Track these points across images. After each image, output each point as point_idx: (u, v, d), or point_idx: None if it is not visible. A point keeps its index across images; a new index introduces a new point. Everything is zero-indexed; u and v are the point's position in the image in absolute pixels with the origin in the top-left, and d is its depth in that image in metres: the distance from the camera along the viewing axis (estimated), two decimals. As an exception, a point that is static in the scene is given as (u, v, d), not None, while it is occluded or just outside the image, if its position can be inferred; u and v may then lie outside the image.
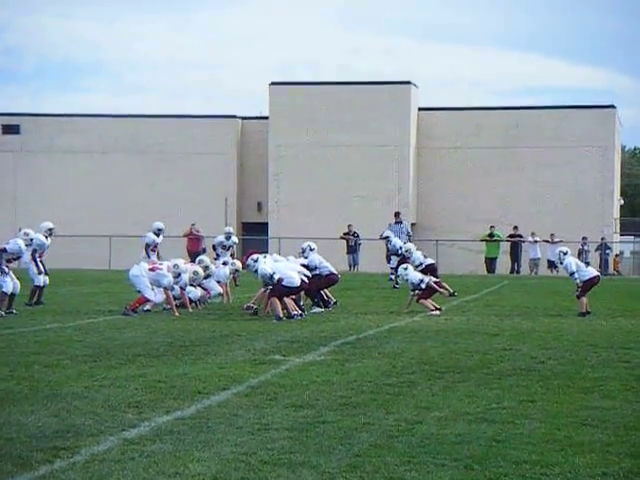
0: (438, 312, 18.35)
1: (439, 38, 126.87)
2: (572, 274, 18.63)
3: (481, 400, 9.16)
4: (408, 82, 41.96)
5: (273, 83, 42.52)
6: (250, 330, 15.33)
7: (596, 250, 38.88)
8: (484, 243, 39.11)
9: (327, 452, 7.13)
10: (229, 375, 10.58)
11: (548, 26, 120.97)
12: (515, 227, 39.09)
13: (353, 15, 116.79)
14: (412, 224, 41.79)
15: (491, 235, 38.91)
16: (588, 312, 18.35)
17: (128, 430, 7.74)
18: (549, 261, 38.01)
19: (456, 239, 40.32)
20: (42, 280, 19.91)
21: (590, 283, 18.68)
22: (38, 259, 19.85)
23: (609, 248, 39.66)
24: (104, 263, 38.04)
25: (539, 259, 38.35)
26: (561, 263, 18.95)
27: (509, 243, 39.10)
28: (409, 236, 29.77)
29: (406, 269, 19.21)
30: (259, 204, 43.63)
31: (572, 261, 18.88)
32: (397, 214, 32.34)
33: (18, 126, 43.92)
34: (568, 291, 24.08)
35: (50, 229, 20.44)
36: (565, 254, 18.77)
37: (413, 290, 18.92)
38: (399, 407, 8.82)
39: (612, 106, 42.62)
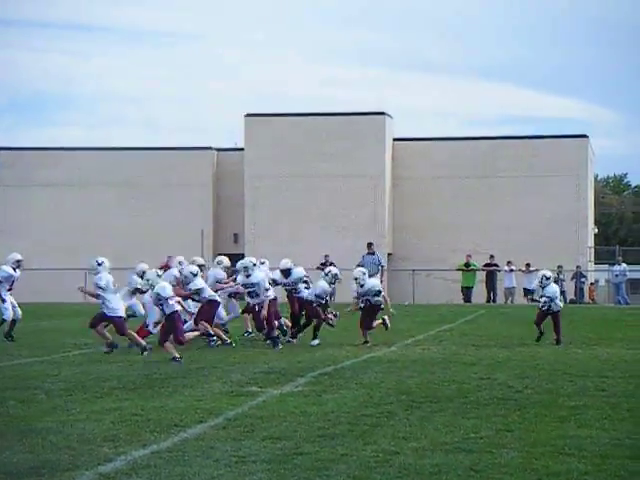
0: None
1: (414, 68, 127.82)
2: (553, 299, 18.76)
3: (458, 430, 9.17)
4: (382, 113, 42.18)
5: (248, 115, 42.63)
6: (227, 362, 15.27)
7: (572, 279, 39.06)
8: (460, 273, 39.20)
9: (305, 484, 7.10)
10: (206, 407, 10.54)
11: (521, 57, 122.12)
12: (491, 256, 39.23)
13: (328, 46, 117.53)
14: (388, 254, 41.87)
15: (467, 265, 39.02)
16: (543, 333, 18.82)
17: (104, 464, 7.69)
18: (525, 290, 38.17)
19: (432, 269, 40.40)
20: (10, 314, 19.65)
21: (548, 314, 18.93)
22: (6, 292, 19.64)
23: (584, 276, 39.84)
24: (80, 296, 37.79)
25: (514, 288, 38.47)
26: (542, 287, 19.10)
27: (485, 272, 39.22)
28: (382, 267, 29.65)
29: (364, 273, 19.10)
30: (235, 235, 43.60)
31: (556, 288, 19.21)
32: (370, 245, 32.34)
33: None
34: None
35: (18, 261, 20.08)
36: (548, 279, 19.01)
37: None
38: (377, 438, 8.80)
39: (585, 136, 42.99)
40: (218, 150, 44.83)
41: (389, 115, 42.49)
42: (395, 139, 42.95)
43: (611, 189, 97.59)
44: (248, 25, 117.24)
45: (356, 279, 18.92)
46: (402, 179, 42.57)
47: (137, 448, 8.32)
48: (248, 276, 18.73)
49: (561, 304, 19.15)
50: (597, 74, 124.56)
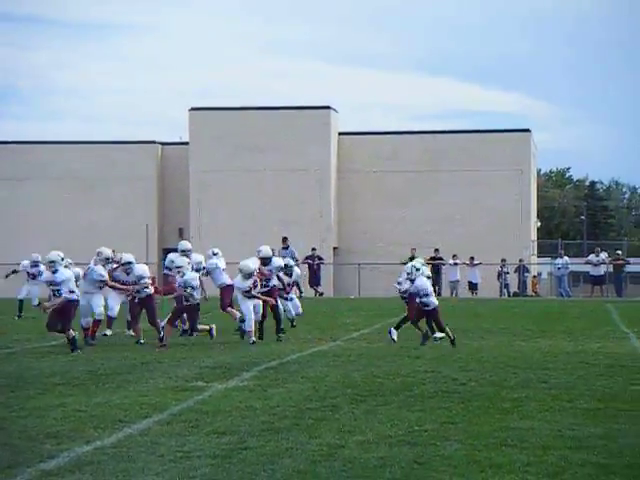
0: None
1: (358, 63, 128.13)
2: (428, 294, 17.26)
3: (403, 423, 9.22)
4: (328, 107, 42.22)
5: (193, 108, 42.43)
6: (172, 357, 15.20)
7: (515, 272, 39.46)
8: (405, 266, 39.37)
9: (250, 479, 7.10)
10: (150, 403, 10.49)
11: (463, 51, 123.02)
12: (436, 250, 39.50)
13: (273, 40, 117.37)
14: (334, 248, 41.98)
15: (412, 258, 39.20)
16: (426, 335, 17.29)
17: (46, 461, 7.62)
18: (470, 283, 38.52)
19: (378, 262, 40.58)
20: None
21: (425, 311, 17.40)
22: None
23: (527, 270, 40.27)
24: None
25: (459, 281, 38.79)
26: (411, 280, 17.51)
27: (430, 266, 39.47)
28: (296, 260, 29.57)
29: (418, 269, 17.50)
30: (180, 230, 43.39)
31: (427, 282, 17.51)
32: (284, 239, 32.44)
33: None
34: (488, 313, 24.45)
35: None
36: (418, 270, 17.51)
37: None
38: (322, 431, 8.83)
39: (527, 130, 43.42)
40: (163, 144, 44.57)
41: (334, 109, 42.55)
42: (340, 133, 43.02)
43: (553, 183, 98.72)
44: (195, 18, 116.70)
45: (408, 274, 17.56)
46: (347, 172, 42.67)
47: (81, 445, 8.26)
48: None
49: (436, 301, 17.36)
50: (536, 68, 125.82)
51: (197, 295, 17.48)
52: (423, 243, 40.51)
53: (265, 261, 18.92)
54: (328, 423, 9.26)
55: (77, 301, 16.27)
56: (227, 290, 19.07)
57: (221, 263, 19.60)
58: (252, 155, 41.44)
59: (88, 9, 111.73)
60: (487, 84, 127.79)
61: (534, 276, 42.05)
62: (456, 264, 38.60)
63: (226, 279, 19.30)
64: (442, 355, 15.35)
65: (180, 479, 7.07)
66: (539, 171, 76.10)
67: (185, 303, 17.47)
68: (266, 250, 19.21)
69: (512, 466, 7.45)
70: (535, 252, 44.89)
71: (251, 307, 17.74)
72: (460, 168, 41.85)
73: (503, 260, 38.54)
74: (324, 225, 41.42)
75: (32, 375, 12.98)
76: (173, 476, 7.16)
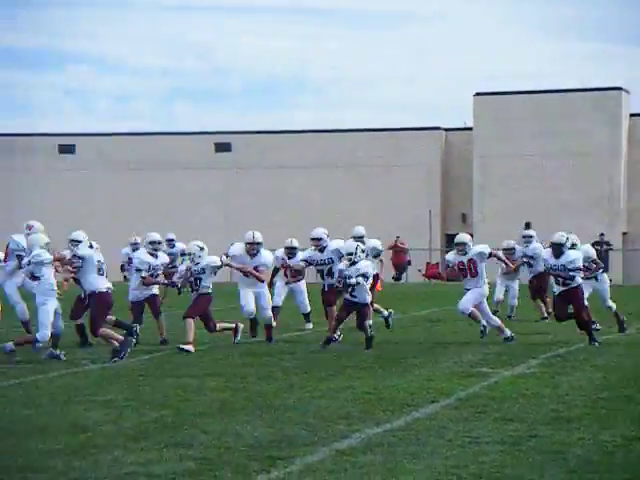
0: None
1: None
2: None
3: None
4: (619, 88, 40.73)
5: (477, 94, 42.21)
6: (457, 341, 15.25)
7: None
8: None
9: (540, 467, 7.01)
10: (437, 387, 10.57)
11: None
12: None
13: (556, 22, 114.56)
14: (623, 233, 40.51)
15: None
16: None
17: (340, 441, 7.86)
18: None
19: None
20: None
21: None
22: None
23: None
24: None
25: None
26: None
27: None
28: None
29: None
30: (463, 215, 43.38)
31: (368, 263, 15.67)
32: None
33: (229, 144, 45.41)
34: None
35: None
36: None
37: None
38: (615, 422, 8.56)
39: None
40: (446, 130, 44.67)
41: (626, 90, 41.00)
42: (632, 114, 41.40)
43: None
44: (478, 2, 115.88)
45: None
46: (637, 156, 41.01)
47: (371, 426, 8.45)
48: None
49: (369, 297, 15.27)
50: None
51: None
52: None
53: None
54: (621, 414, 8.96)
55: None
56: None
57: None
58: (536, 140, 40.67)
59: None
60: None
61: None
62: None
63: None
64: None
65: (469, 464, 7.08)
66: None
67: None
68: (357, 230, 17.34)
69: None
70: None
71: None
72: None
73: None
74: (613, 210, 40.07)
75: (323, 358, 13.41)
76: (462, 461, 7.18)
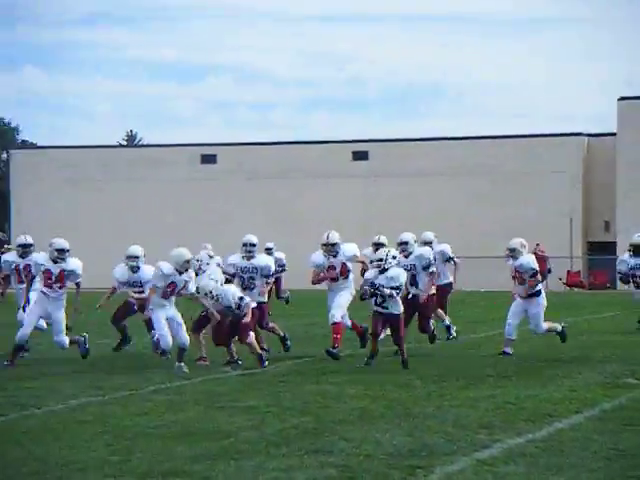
0: None
1: None
2: None
3: None
4: None
5: (622, 98, 41.22)
6: (601, 352, 14.89)
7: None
8: None
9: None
10: (580, 398, 10.34)
11: None
12: None
13: None
14: None
15: None
16: None
17: (480, 451, 7.77)
18: None
19: None
20: None
21: None
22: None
23: None
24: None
25: None
26: None
27: None
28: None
29: None
30: (606, 223, 42.38)
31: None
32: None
33: (366, 152, 45.57)
34: None
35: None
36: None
37: None
38: None
39: None
40: (589, 136, 43.76)
41: None
42: None
43: None
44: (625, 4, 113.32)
45: None
46: None
47: (512, 436, 8.32)
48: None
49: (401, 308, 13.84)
50: None
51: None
52: None
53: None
54: None
55: None
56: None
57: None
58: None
59: (502, 4, 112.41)
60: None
61: None
62: None
63: None
64: None
65: (616, 478, 6.90)
66: None
67: None
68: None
69: None
70: None
71: None
72: None
73: None
74: None
75: (462, 366, 13.28)
76: (608, 474, 6.99)
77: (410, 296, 14.82)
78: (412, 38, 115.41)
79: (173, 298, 13.39)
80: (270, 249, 23.79)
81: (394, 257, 13.30)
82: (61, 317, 13.89)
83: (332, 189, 45.18)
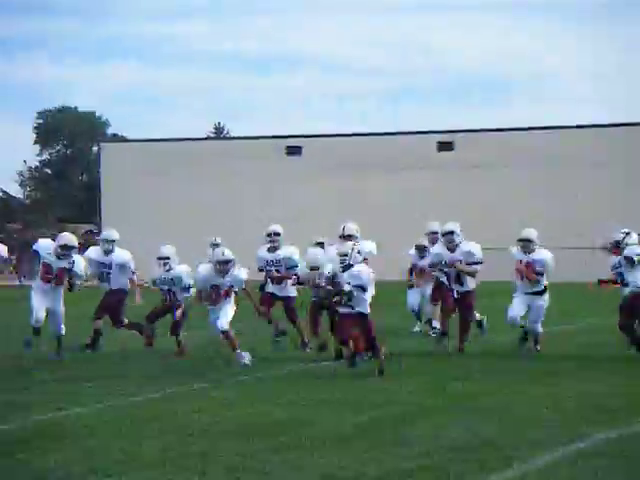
0: None
1: None
2: None
3: None
4: None
5: None
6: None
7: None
8: None
9: None
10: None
11: None
12: None
13: None
14: None
15: None
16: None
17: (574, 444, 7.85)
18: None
19: None
20: None
21: None
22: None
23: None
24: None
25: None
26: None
27: None
28: None
29: None
30: None
31: None
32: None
33: (451, 143, 45.09)
34: None
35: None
36: None
37: None
38: None
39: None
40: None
41: None
42: None
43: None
44: None
45: None
46: None
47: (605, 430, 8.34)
48: None
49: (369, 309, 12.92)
50: None
51: None
52: None
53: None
54: None
55: None
56: None
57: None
58: None
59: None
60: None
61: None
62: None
63: None
64: None
65: None
66: None
67: None
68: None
69: None
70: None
71: None
72: None
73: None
74: None
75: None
76: None
77: (456, 295, 13.55)
78: (497, 27, 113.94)
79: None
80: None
81: (359, 252, 11.98)
82: (60, 309, 13.53)
83: (418, 180, 44.62)
